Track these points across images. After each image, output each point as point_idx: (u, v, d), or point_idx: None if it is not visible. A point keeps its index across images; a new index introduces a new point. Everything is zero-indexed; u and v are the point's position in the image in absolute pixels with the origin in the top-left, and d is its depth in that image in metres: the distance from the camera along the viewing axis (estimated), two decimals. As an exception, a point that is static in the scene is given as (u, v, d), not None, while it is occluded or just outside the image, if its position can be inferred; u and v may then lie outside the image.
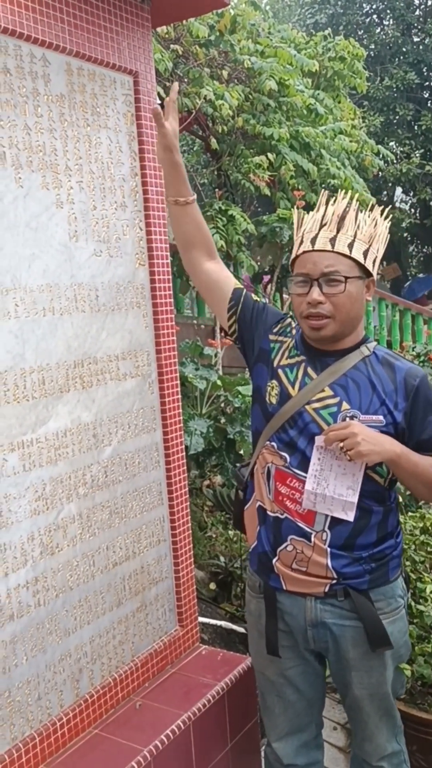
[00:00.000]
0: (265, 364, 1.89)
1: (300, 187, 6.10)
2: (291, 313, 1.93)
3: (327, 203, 1.82)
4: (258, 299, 1.98)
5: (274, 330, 1.92)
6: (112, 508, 2.16)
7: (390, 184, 15.40)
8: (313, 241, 1.76)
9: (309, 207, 6.29)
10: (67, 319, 2.00)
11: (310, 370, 1.81)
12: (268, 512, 1.85)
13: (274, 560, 1.84)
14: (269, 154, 5.79)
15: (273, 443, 1.83)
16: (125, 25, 2.17)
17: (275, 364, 1.87)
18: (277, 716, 1.96)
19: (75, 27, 1.98)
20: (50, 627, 1.94)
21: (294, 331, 1.90)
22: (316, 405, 1.78)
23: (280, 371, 1.85)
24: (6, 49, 1.81)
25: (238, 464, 2.15)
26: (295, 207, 2.11)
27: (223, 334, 1.97)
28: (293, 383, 1.81)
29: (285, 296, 7.07)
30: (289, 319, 1.94)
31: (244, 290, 1.98)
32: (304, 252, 1.78)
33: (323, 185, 6.73)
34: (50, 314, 1.94)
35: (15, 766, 1.80)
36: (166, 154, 1.85)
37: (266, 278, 6.73)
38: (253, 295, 1.98)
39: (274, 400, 1.83)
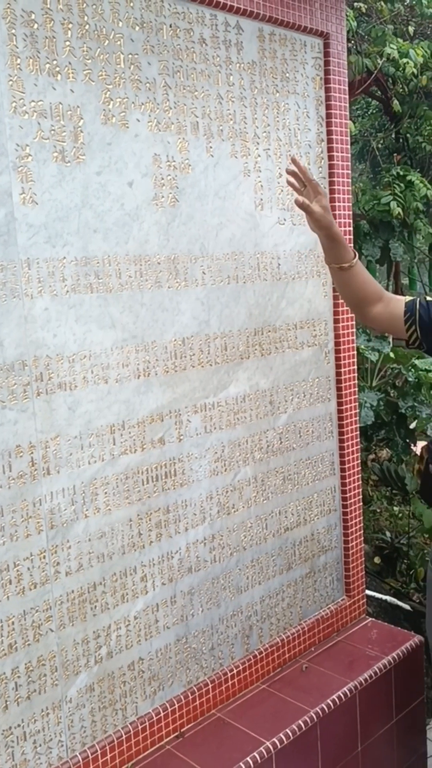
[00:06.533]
0: None
1: None
2: None
3: None
4: None
5: None
6: (286, 474, 2.20)
7: None
8: None
9: None
10: (249, 287, 2.03)
11: None
12: None
13: None
14: (454, 115, 5.45)
15: None
16: (317, -14, 2.13)
17: None
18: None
19: (268, -8, 1.98)
20: (224, 583, 2.03)
21: None
22: None
23: None
24: (203, 20, 1.84)
25: (407, 441, 2.07)
26: None
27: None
28: None
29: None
30: None
31: (417, 299, 1.84)
32: None
33: None
34: (234, 282, 1.99)
35: (190, 707, 1.92)
36: (321, 231, 1.73)
37: None
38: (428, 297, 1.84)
39: None
